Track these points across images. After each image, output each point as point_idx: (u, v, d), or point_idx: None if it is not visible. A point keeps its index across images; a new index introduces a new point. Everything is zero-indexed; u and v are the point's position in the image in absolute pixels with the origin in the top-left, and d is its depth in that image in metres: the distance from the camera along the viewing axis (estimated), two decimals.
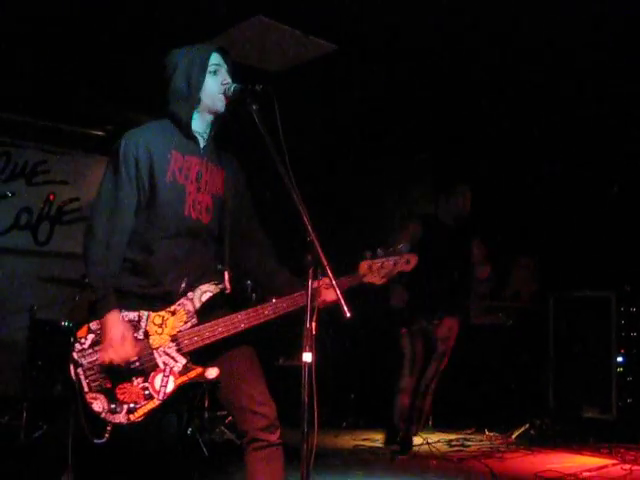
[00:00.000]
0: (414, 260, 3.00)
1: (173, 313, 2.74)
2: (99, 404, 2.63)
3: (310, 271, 2.50)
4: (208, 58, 2.83)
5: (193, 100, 2.80)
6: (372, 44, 5.83)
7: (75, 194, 7.36)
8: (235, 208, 2.94)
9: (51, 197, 7.28)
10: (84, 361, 2.66)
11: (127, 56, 5.97)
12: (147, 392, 2.65)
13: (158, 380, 2.67)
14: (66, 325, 5.76)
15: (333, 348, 7.17)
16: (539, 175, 7.51)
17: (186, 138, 2.85)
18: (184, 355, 2.70)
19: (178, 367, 2.69)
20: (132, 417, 2.63)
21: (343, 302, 2.42)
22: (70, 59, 6.08)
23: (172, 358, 2.70)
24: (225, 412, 5.92)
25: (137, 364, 2.67)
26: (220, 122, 2.91)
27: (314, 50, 5.88)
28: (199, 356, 2.72)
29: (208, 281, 2.79)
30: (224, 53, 2.89)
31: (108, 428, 2.61)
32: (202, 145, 2.89)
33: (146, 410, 2.64)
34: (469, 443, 6.38)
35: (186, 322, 2.73)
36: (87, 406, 2.63)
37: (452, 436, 6.67)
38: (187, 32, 5.16)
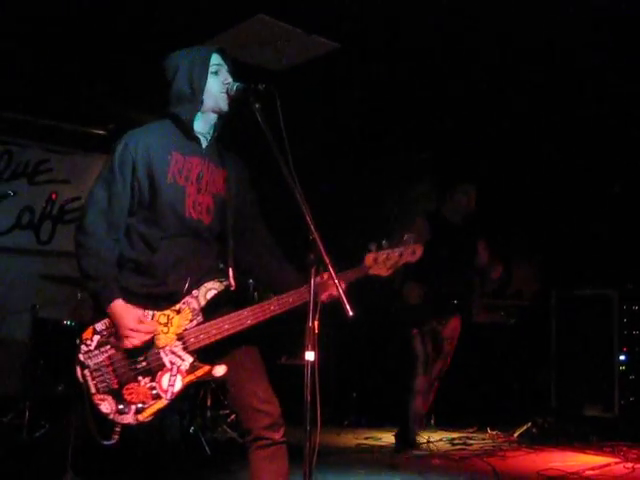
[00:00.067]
0: (420, 251, 2.99)
1: (178, 312, 2.74)
2: (107, 405, 2.63)
3: (312, 270, 2.49)
4: (209, 59, 2.84)
5: (196, 102, 2.81)
6: (372, 44, 5.83)
7: (77, 193, 7.35)
8: (237, 208, 2.94)
9: (53, 196, 7.28)
10: (90, 362, 2.67)
11: (128, 55, 5.97)
12: (155, 392, 2.65)
13: (165, 379, 2.67)
14: (68, 324, 5.77)
15: (335, 347, 7.18)
16: (541, 174, 7.52)
17: (188, 139, 2.86)
18: (191, 353, 2.70)
19: (185, 366, 2.69)
20: (140, 417, 2.63)
21: (345, 301, 2.41)
22: (71, 58, 6.09)
23: (179, 357, 2.70)
24: (227, 411, 5.93)
25: (144, 364, 2.68)
26: (223, 122, 2.92)
27: (316, 49, 5.88)
28: (205, 354, 2.72)
29: (212, 279, 2.80)
30: (224, 53, 2.91)
31: (117, 429, 2.61)
32: (204, 145, 2.89)
33: (154, 410, 2.64)
34: (471, 442, 6.38)
35: (192, 320, 2.73)
36: (95, 408, 2.63)
37: (454, 435, 6.67)
38: (188, 31, 5.18)
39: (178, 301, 2.75)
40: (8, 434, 5.48)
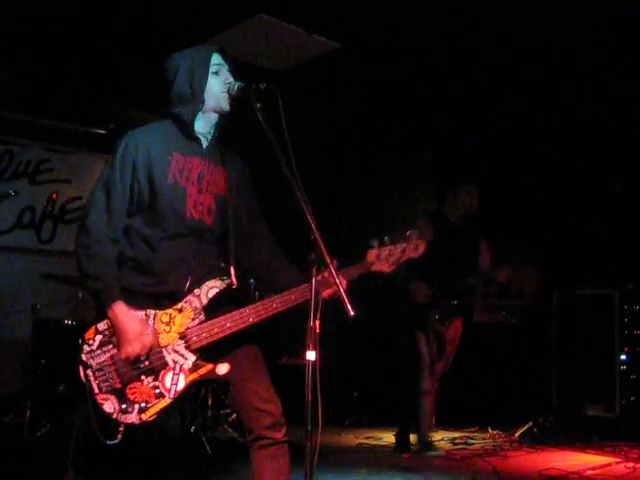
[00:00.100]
0: (422, 246, 2.98)
1: (180, 310, 2.74)
2: (110, 405, 2.63)
3: (314, 269, 2.49)
4: (209, 59, 2.83)
5: (197, 102, 2.81)
6: (372, 44, 5.83)
7: (78, 193, 7.37)
8: (239, 208, 2.94)
9: (54, 196, 7.29)
10: (93, 362, 2.66)
11: (129, 55, 5.98)
12: (158, 391, 2.65)
13: (168, 378, 2.66)
14: (69, 323, 5.77)
15: (336, 346, 7.18)
16: (541, 174, 7.52)
17: (188, 139, 2.86)
18: (193, 352, 2.70)
19: (188, 364, 2.69)
20: (144, 417, 2.63)
21: (347, 300, 2.41)
22: (72, 58, 6.09)
23: (181, 356, 2.69)
24: (228, 410, 5.93)
25: (146, 363, 2.67)
26: (224, 122, 2.92)
27: (316, 48, 5.88)
28: (208, 353, 2.71)
29: (214, 277, 2.79)
30: (224, 53, 2.90)
31: (120, 429, 2.61)
32: (205, 145, 2.89)
33: (157, 409, 2.64)
34: (472, 441, 6.39)
35: (194, 319, 2.73)
36: (98, 407, 2.63)
37: (455, 434, 6.68)
38: (188, 31, 5.18)
39: (179, 300, 2.74)
40: (9, 433, 5.49)
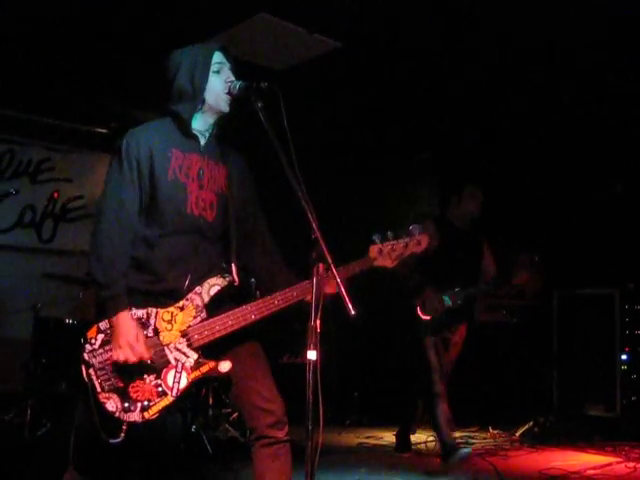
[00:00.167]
0: (425, 241, 2.96)
1: (182, 308, 2.74)
2: (112, 403, 2.63)
3: (315, 269, 2.50)
4: (211, 57, 2.83)
5: (197, 100, 2.81)
6: (372, 44, 5.84)
7: (79, 192, 7.37)
8: (239, 205, 2.93)
9: (55, 195, 7.28)
10: (95, 361, 2.67)
11: (130, 54, 5.98)
12: (160, 389, 2.66)
13: (171, 376, 2.67)
14: (70, 323, 5.77)
15: (337, 346, 7.18)
16: (541, 174, 7.52)
17: (186, 137, 2.86)
18: (195, 350, 2.70)
19: (190, 362, 2.69)
20: (146, 415, 2.63)
21: (348, 300, 2.40)
22: (73, 57, 6.09)
23: (183, 354, 2.70)
24: (229, 409, 5.93)
25: (148, 361, 2.67)
26: (224, 121, 2.92)
27: (317, 48, 5.88)
28: (210, 351, 2.71)
29: (215, 275, 2.79)
30: (226, 51, 2.90)
31: (123, 427, 2.61)
32: (202, 143, 2.89)
33: (160, 407, 2.64)
34: (473, 441, 6.39)
35: (195, 317, 2.73)
36: (100, 406, 2.63)
37: (456, 434, 6.65)
38: (189, 30, 5.19)
39: (180, 298, 2.74)
40: (10, 432, 5.48)
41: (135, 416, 2.62)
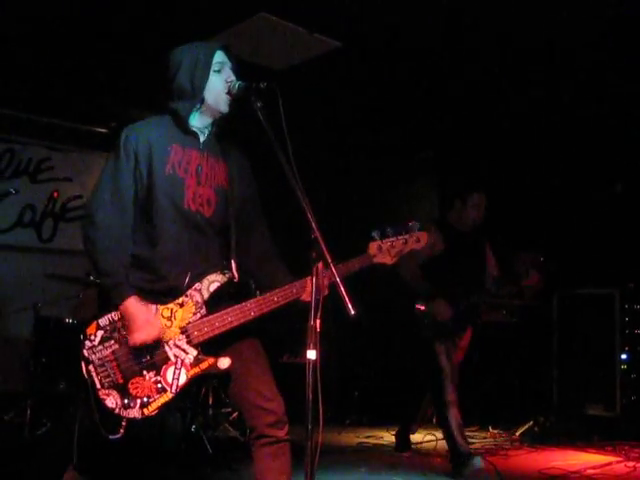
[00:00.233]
0: (424, 238, 2.96)
1: (181, 305, 2.74)
2: (112, 400, 2.64)
3: (314, 268, 2.50)
4: (212, 56, 2.83)
5: (196, 99, 2.81)
6: (372, 44, 5.83)
7: (79, 191, 7.37)
8: (239, 202, 2.93)
9: (55, 194, 7.29)
10: (94, 357, 2.67)
11: (130, 54, 5.98)
12: (160, 385, 2.66)
13: (170, 373, 2.67)
14: (70, 322, 5.78)
15: (337, 345, 7.18)
16: (541, 174, 7.52)
17: (185, 133, 2.86)
18: (195, 346, 2.70)
19: (189, 359, 2.69)
20: (146, 411, 2.64)
21: (348, 299, 2.40)
22: (73, 56, 6.09)
23: (183, 350, 2.70)
24: (229, 409, 5.93)
25: (148, 358, 2.68)
26: (222, 121, 2.92)
27: (317, 47, 5.88)
28: (209, 348, 2.71)
29: (215, 271, 2.79)
30: (228, 51, 2.90)
31: (123, 423, 2.62)
32: (202, 140, 2.89)
33: (160, 404, 2.65)
34: (473, 440, 6.36)
35: (195, 313, 2.73)
36: (100, 402, 2.64)
37: None
38: (189, 30, 5.17)
39: (180, 295, 2.74)
40: (10, 432, 5.48)
41: (135, 412, 2.63)
